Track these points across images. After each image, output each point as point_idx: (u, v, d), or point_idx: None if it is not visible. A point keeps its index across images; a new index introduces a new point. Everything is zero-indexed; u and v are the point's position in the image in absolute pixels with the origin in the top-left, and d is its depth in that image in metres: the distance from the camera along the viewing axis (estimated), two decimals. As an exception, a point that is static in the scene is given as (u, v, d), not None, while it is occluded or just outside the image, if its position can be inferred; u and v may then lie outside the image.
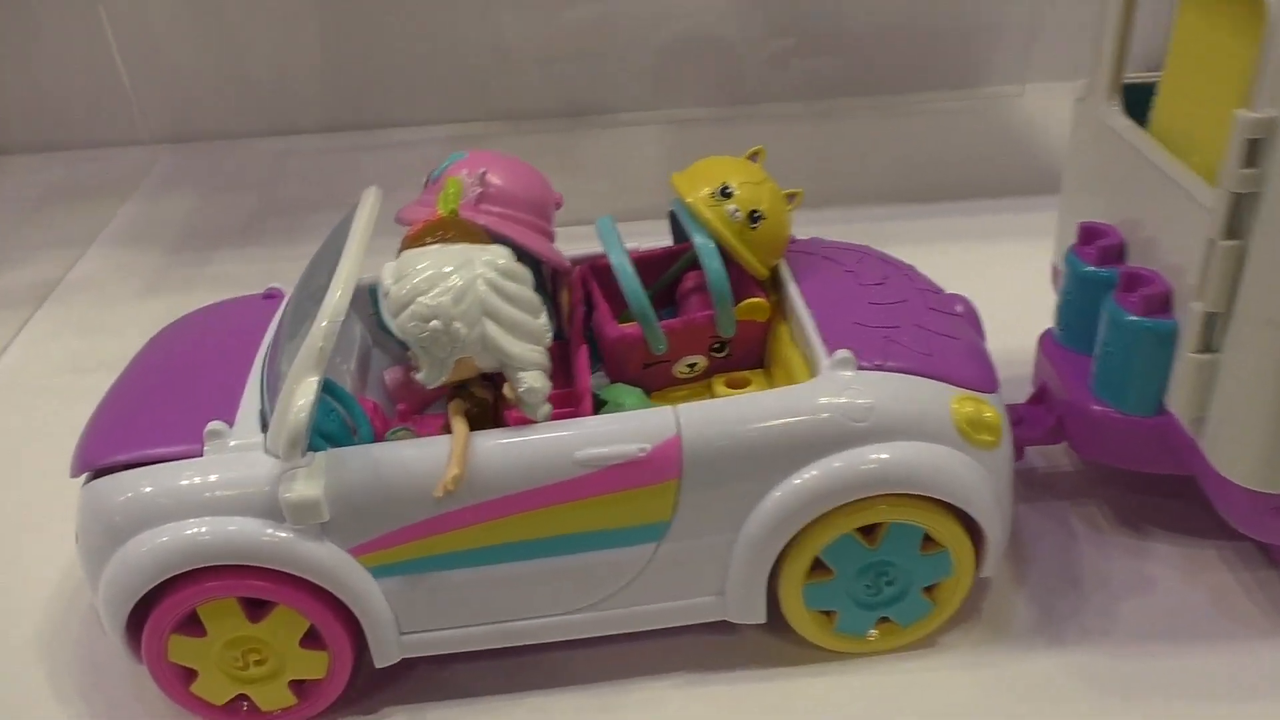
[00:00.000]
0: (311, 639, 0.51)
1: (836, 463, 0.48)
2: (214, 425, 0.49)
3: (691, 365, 0.58)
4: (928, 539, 0.51)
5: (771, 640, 0.54)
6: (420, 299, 0.46)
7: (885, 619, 0.53)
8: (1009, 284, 0.69)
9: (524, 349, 0.48)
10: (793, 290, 0.56)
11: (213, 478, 0.48)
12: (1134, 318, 0.53)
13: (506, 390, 0.49)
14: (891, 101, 1.22)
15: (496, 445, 0.48)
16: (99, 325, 0.90)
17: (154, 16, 1.18)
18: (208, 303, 0.64)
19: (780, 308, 0.58)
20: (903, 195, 1.01)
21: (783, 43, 1.21)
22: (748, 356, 0.59)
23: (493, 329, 0.47)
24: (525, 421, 0.49)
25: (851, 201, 1.00)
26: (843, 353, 0.50)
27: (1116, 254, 0.57)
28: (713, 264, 0.55)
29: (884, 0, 1.18)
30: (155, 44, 1.19)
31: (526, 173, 0.56)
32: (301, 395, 0.46)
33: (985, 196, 0.99)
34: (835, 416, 0.48)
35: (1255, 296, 0.46)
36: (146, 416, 0.53)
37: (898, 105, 1.21)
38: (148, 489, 0.49)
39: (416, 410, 0.59)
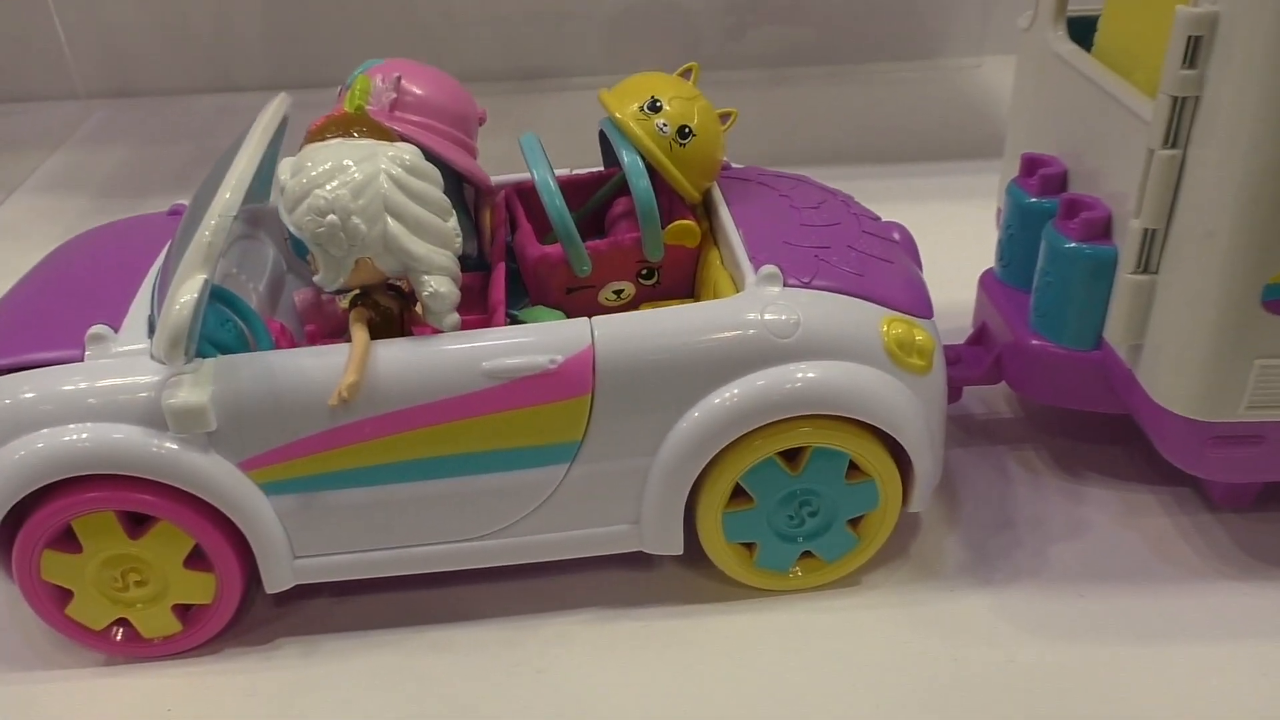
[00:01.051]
0: (197, 560, 0.47)
1: (759, 381, 0.46)
2: (96, 329, 0.46)
3: (618, 292, 0.56)
4: (853, 468, 0.48)
5: (688, 575, 0.52)
6: (316, 191, 0.43)
7: (808, 554, 0.50)
8: (958, 238, 0.67)
9: (429, 250, 0.45)
10: (723, 212, 0.54)
11: (92, 383, 0.45)
12: (1073, 244, 0.51)
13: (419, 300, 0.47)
14: (850, 70, 1.20)
15: (398, 354, 0.45)
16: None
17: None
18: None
19: (712, 234, 0.55)
20: (859, 158, 0.99)
21: (740, 12, 1.19)
22: (677, 286, 0.56)
23: (395, 227, 0.44)
24: (432, 333, 0.47)
25: (806, 162, 0.98)
26: (768, 268, 0.48)
27: (1059, 184, 0.55)
28: (639, 182, 0.52)
29: (843, -30, 1.16)
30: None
31: (447, 82, 0.54)
32: (186, 292, 0.43)
33: (941, 159, 0.98)
34: (759, 332, 0.46)
35: (1193, 206, 0.44)
36: (30, 324, 0.49)
37: (856, 74, 1.19)
38: (21, 393, 0.45)
39: (326, 334, 0.56)
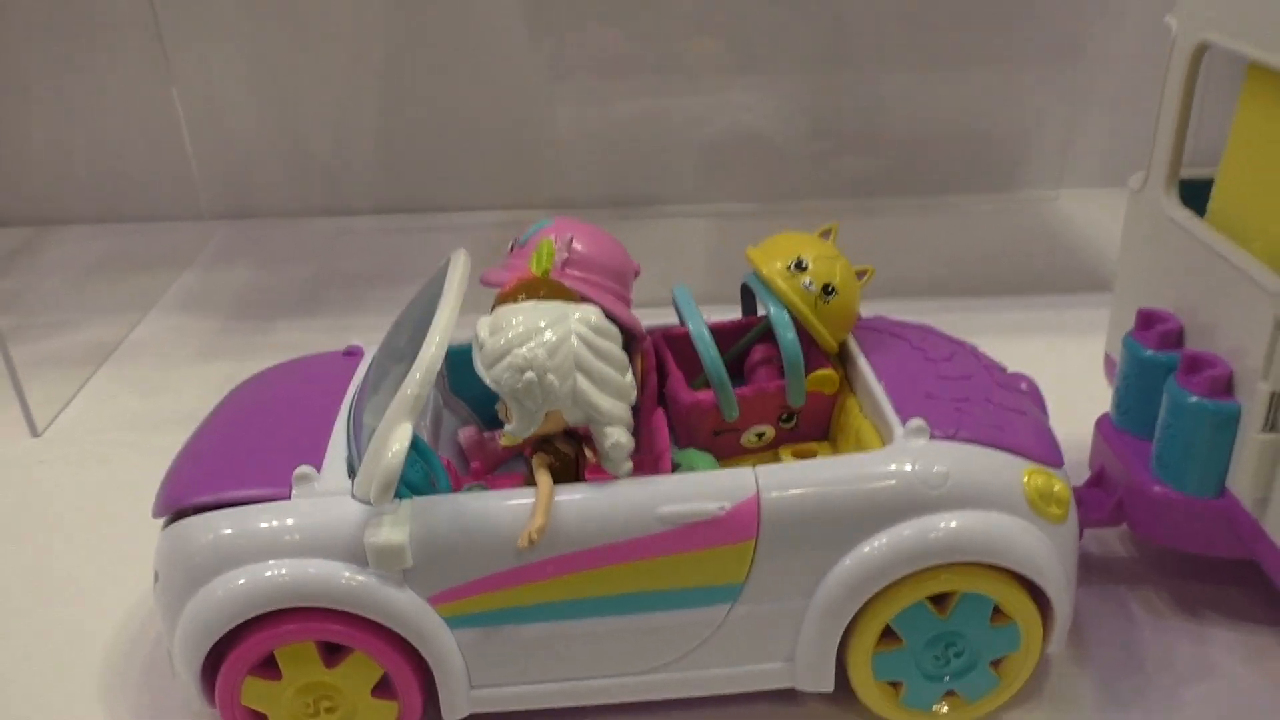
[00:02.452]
0: (383, 689, 0.51)
1: (910, 530, 0.49)
2: (303, 469, 0.51)
3: (760, 435, 0.60)
4: (997, 611, 0.51)
5: (833, 711, 0.54)
6: (516, 350, 0.48)
7: (951, 693, 0.53)
8: (1056, 374, 0.71)
9: (612, 404, 0.49)
10: (862, 363, 0.58)
11: (299, 520, 0.50)
12: (1196, 399, 0.54)
13: (592, 447, 0.51)
14: (930, 202, 1.25)
15: (580, 498, 0.49)
16: (159, 386, 0.92)
17: (221, 94, 1.22)
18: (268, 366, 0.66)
19: (847, 381, 0.59)
20: (944, 290, 1.03)
21: (824, 143, 1.25)
22: (813, 429, 0.60)
23: (584, 383, 0.48)
24: (605, 478, 0.51)
25: (896, 294, 1.02)
26: (916, 421, 0.51)
27: (1175, 339, 0.59)
28: (786, 334, 0.56)
29: (924, 105, 1.22)
30: (220, 120, 1.23)
31: (608, 241, 0.59)
32: (396, 440, 0.48)
33: (1026, 293, 1.02)
34: (911, 482, 0.49)
35: (1324, 377, 0.47)
36: (231, 461, 0.54)
37: (936, 205, 1.24)
38: (233, 529, 0.50)
39: (489, 469, 0.61)
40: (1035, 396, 0.58)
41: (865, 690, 0.52)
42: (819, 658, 0.51)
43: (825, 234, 0.60)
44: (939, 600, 0.51)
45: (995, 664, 0.53)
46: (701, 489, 0.49)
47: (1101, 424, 0.63)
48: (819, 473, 0.50)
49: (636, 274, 0.61)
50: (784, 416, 0.59)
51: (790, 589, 0.50)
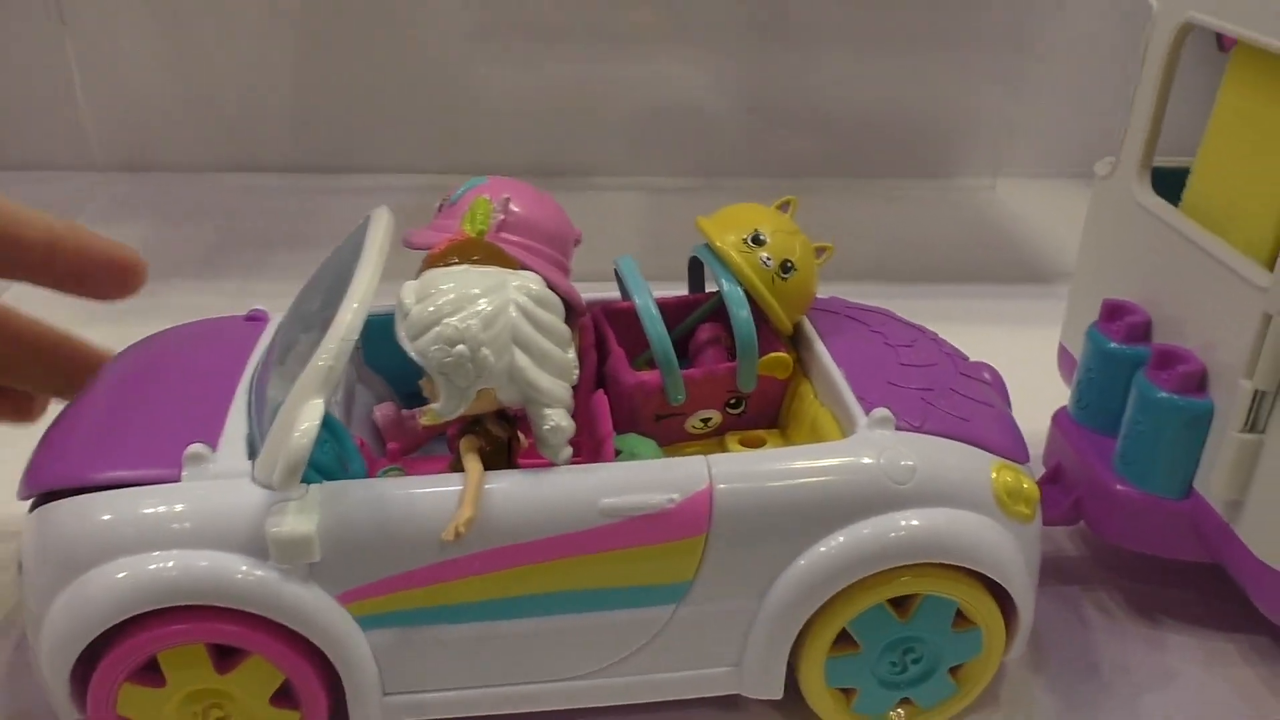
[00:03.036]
0: (283, 696, 0.45)
1: (872, 527, 0.45)
2: (195, 448, 0.45)
3: (705, 420, 0.55)
4: (959, 616, 0.48)
5: (776, 717, 0.50)
6: (447, 320, 0.42)
7: (906, 700, 0.49)
8: (1003, 366, 0.68)
9: (552, 383, 0.44)
10: (819, 347, 0.54)
11: (190, 505, 0.43)
12: (1167, 395, 0.51)
13: (527, 431, 0.46)
14: (865, 184, 1.22)
15: (513, 487, 0.44)
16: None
17: (119, 39, 1.13)
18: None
19: (801, 365, 0.55)
20: (882, 275, 1.00)
21: (760, 119, 1.21)
22: (762, 415, 0.56)
23: (522, 359, 0.43)
24: (540, 464, 0.46)
25: (833, 279, 0.99)
26: (881, 411, 0.47)
27: (1142, 332, 0.56)
28: (740, 312, 0.52)
29: (863, 86, 1.19)
30: (117, 66, 1.14)
31: (548, 203, 0.53)
32: (305, 417, 0.42)
33: (966, 281, 0.99)
34: (876, 476, 0.45)
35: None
36: (112, 437, 0.47)
37: (872, 188, 1.21)
38: (112, 515, 0.43)
39: (407, 450, 0.55)
40: (999, 387, 0.55)
41: (816, 697, 0.49)
42: (768, 663, 0.47)
43: (783, 206, 0.56)
44: (899, 603, 0.47)
45: (954, 670, 0.49)
46: (648, 479, 0.45)
47: (1059, 418, 0.60)
48: (776, 464, 0.46)
49: (578, 242, 0.56)
50: (732, 401, 0.55)
51: (741, 589, 0.46)
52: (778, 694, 0.48)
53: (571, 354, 0.45)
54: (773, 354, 0.54)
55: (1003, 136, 1.22)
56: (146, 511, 0.43)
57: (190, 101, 1.17)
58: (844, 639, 0.48)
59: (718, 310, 0.56)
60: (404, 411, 0.56)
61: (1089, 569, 0.61)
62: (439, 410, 0.44)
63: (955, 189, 1.22)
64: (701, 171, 1.22)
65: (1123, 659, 0.55)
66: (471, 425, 0.46)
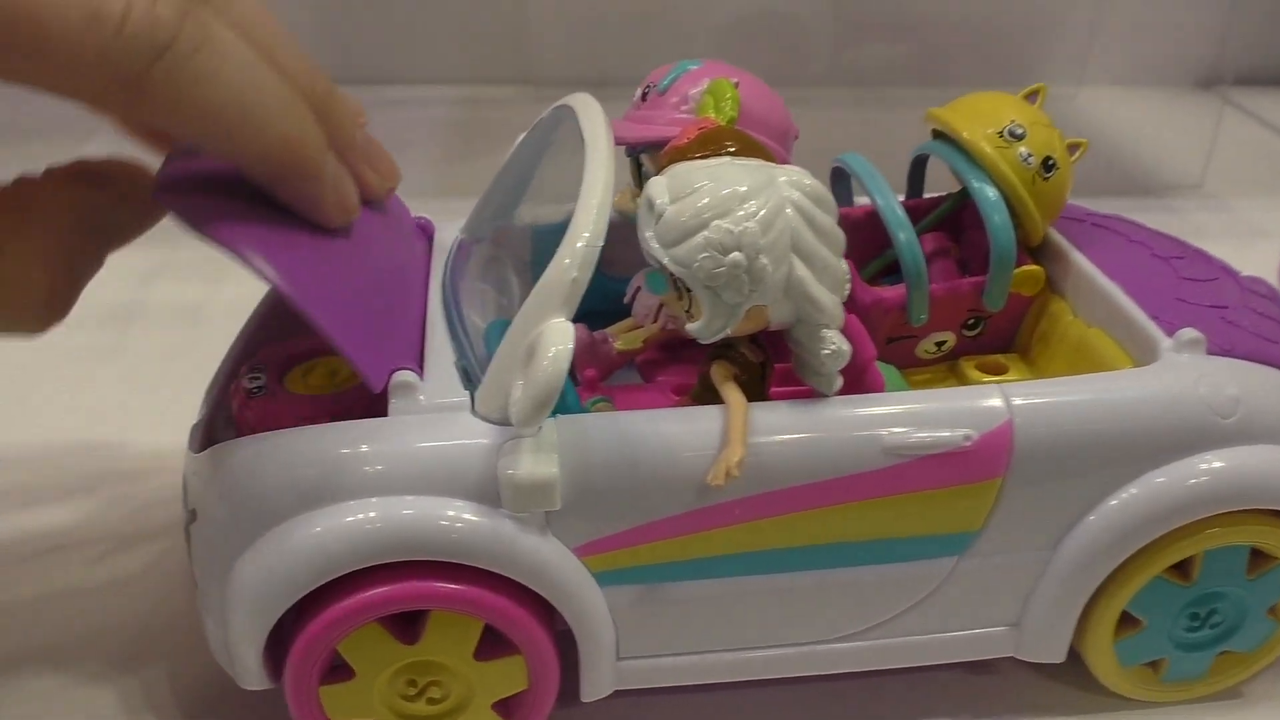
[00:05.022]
0: (489, 649, 0.39)
1: (1186, 468, 0.39)
2: (403, 376, 0.37)
3: (940, 344, 0.48)
4: (1254, 556, 0.42)
5: (1040, 682, 0.45)
6: (717, 223, 0.35)
7: (1225, 652, 0.43)
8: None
9: (831, 299, 0.37)
10: (1079, 259, 0.47)
11: (404, 444, 0.36)
12: None
13: (781, 356, 0.39)
14: (942, 94, 1.14)
15: (782, 422, 0.37)
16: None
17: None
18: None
19: (1050, 282, 0.48)
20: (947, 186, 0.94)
21: (845, 25, 1.13)
22: (999, 338, 0.49)
23: (801, 270, 0.36)
24: (799, 394, 0.39)
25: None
26: (1189, 332, 0.41)
27: None
28: (998, 217, 0.45)
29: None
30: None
31: (768, 92, 0.46)
32: (554, 340, 0.35)
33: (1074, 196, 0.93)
34: (1197, 409, 0.39)
35: None
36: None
37: (948, 98, 1.14)
38: (314, 455, 0.36)
39: (603, 376, 0.48)
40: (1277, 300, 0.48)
41: (1102, 663, 0.42)
42: (1056, 622, 0.41)
43: (1031, 96, 0.48)
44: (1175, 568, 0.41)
45: (1272, 610, 0.43)
46: (939, 413, 0.38)
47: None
48: (1081, 394, 0.39)
49: (795, 138, 0.48)
50: (970, 322, 0.48)
51: (1033, 539, 0.40)
52: (1061, 656, 0.42)
53: (844, 265, 0.38)
54: (1027, 267, 0.47)
55: (1085, 41, 1.14)
56: (352, 451, 0.36)
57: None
58: (1124, 619, 0.42)
59: (945, 218, 0.49)
60: (597, 335, 0.49)
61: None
62: (697, 330, 0.37)
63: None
64: (781, 82, 1.13)
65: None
66: (722, 349, 0.39)
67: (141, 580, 0.49)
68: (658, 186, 0.36)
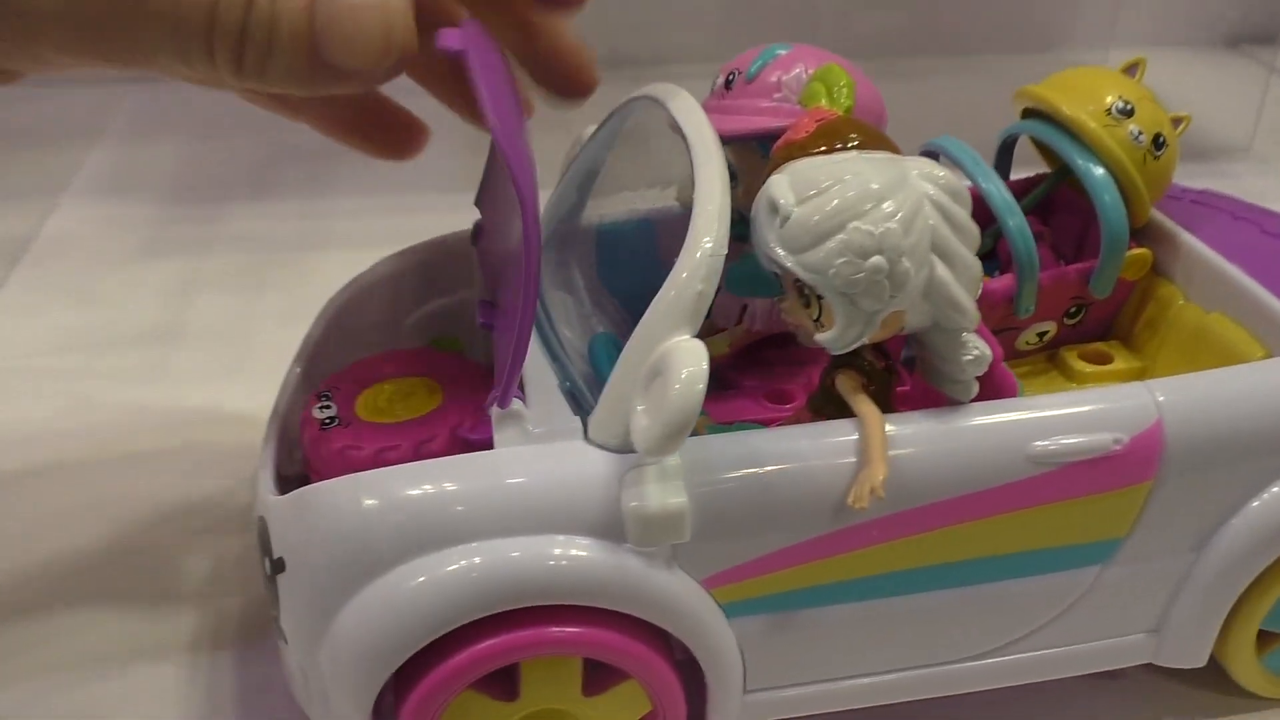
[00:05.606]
0: (599, 679, 0.36)
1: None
2: (510, 406, 0.34)
3: (1041, 334, 0.46)
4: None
5: (1169, 685, 0.42)
6: (854, 225, 0.32)
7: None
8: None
9: (971, 301, 0.34)
10: (1189, 240, 0.44)
11: (521, 480, 0.33)
12: None
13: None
14: (961, 62, 1.12)
15: (920, 435, 0.35)
16: (93, 293, 0.71)
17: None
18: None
19: (1156, 265, 0.46)
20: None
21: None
22: (1098, 325, 0.47)
23: (943, 272, 0.33)
24: (934, 401, 0.36)
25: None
26: (1334, 317, 0.39)
27: None
28: (1108, 197, 0.42)
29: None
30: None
31: (865, 79, 0.43)
32: (684, 361, 0.32)
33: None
34: (1357, 401, 0.37)
35: None
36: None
37: (968, 66, 1.11)
38: (419, 495, 0.33)
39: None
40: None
41: (1251, 678, 0.40)
42: (1200, 627, 0.39)
43: (1131, 69, 0.46)
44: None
45: None
46: (1085, 416, 0.35)
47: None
48: (1232, 388, 0.37)
49: (884, 123, 0.45)
50: (1071, 310, 0.46)
51: (1179, 543, 0.37)
52: (1203, 661, 0.40)
53: (979, 261, 0.35)
54: (1137, 250, 0.44)
55: (1115, 2, 1.12)
56: (463, 489, 0.33)
57: None
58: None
59: (1044, 199, 0.47)
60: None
61: None
62: (831, 340, 0.34)
63: (1063, 63, 1.11)
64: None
65: None
66: (848, 357, 0.36)
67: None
68: (780, 186, 0.33)
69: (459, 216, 0.46)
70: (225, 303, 0.69)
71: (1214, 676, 0.41)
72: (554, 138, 0.45)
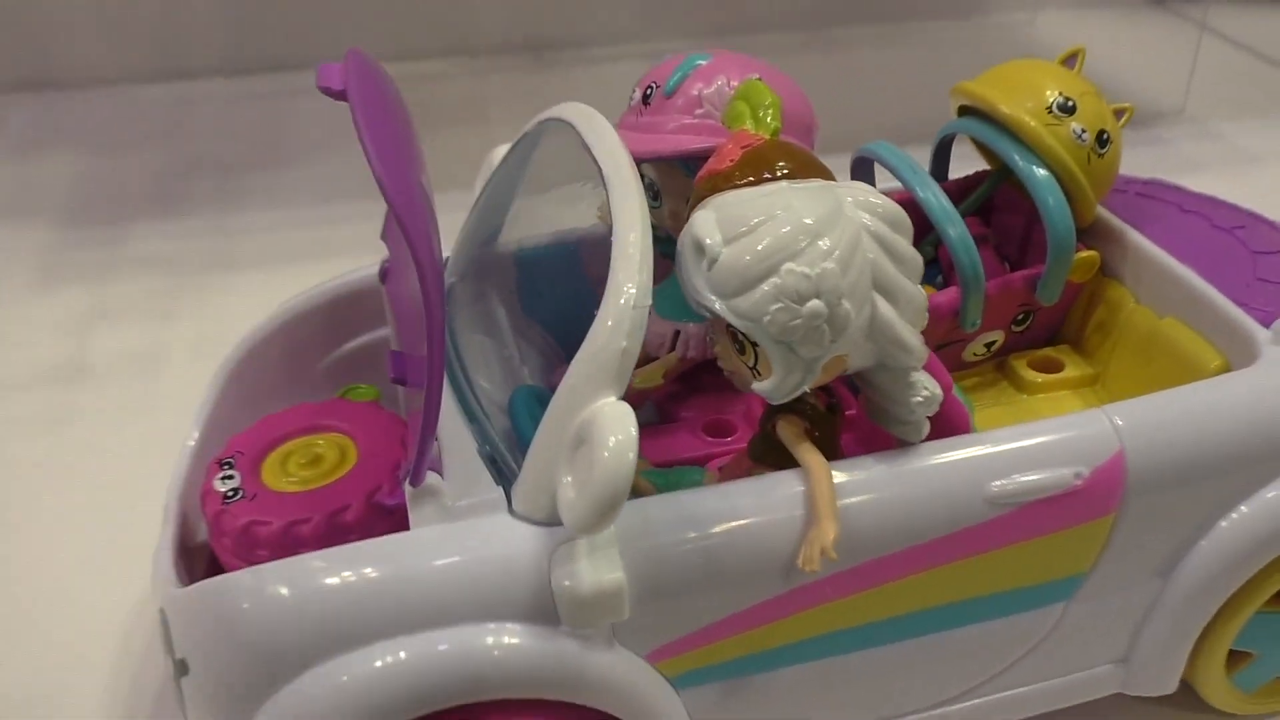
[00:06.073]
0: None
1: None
2: (426, 480, 0.31)
3: (989, 345, 0.44)
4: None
5: (1138, 705, 0.41)
6: (789, 267, 0.29)
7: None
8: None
9: (916, 337, 0.32)
10: (1136, 239, 0.42)
11: (440, 563, 0.30)
12: None
13: (851, 400, 0.34)
14: (893, 30, 1.09)
15: (870, 482, 0.32)
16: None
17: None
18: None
19: (1104, 265, 0.44)
20: (923, 135, 0.89)
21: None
22: (1045, 331, 0.45)
23: (885, 310, 0.31)
24: (875, 442, 0.34)
25: (863, 139, 0.88)
26: (1288, 322, 0.37)
27: None
28: (1052, 199, 0.40)
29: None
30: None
31: (791, 85, 0.40)
32: (612, 427, 0.29)
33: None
34: (1320, 413, 0.35)
35: None
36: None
37: (899, 34, 1.09)
38: (332, 587, 0.30)
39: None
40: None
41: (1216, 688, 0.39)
42: (1168, 655, 0.37)
43: (1070, 60, 0.43)
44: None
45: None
46: (1043, 450, 0.33)
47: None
48: (1191, 407, 0.35)
49: (817, 130, 0.42)
50: (1019, 317, 0.44)
51: (1144, 573, 0.36)
52: (1172, 687, 0.38)
53: (922, 290, 0.33)
54: (1084, 253, 0.42)
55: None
56: (381, 577, 0.30)
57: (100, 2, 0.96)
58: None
59: (984, 202, 0.44)
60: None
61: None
62: (769, 391, 0.31)
63: (991, 26, 1.10)
64: (713, 31, 1.07)
65: None
66: (789, 403, 0.33)
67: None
68: (705, 224, 0.31)
69: (379, 225, 0.43)
70: (132, 334, 0.64)
71: (1184, 695, 0.40)
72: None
